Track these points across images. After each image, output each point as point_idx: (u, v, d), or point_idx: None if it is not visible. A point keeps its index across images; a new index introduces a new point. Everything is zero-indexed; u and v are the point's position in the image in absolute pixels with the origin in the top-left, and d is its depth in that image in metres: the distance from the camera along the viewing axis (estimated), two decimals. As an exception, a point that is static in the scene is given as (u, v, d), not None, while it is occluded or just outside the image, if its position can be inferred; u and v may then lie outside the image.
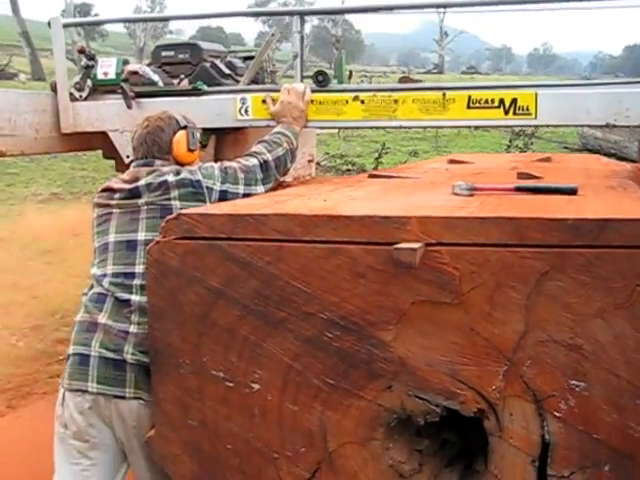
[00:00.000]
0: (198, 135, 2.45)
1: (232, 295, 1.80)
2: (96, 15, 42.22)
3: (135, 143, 2.36)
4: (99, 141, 3.29)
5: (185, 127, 2.37)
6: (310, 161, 2.73)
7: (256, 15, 30.96)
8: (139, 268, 2.04)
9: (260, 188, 2.35)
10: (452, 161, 3.64)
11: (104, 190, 2.29)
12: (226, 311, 1.81)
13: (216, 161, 2.45)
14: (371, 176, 2.91)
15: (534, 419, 1.61)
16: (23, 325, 5.34)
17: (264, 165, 2.39)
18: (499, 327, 1.59)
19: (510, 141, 12.49)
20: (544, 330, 1.56)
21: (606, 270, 1.49)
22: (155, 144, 2.32)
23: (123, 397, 2.05)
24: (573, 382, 1.56)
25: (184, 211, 1.90)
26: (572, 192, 1.96)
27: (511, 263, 1.55)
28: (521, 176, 2.43)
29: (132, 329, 2.07)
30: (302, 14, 2.94)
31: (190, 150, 2.37)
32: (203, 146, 2.93)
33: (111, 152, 3.26)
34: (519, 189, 2.02)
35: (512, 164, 3.20)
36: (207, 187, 2.20)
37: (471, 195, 1.98)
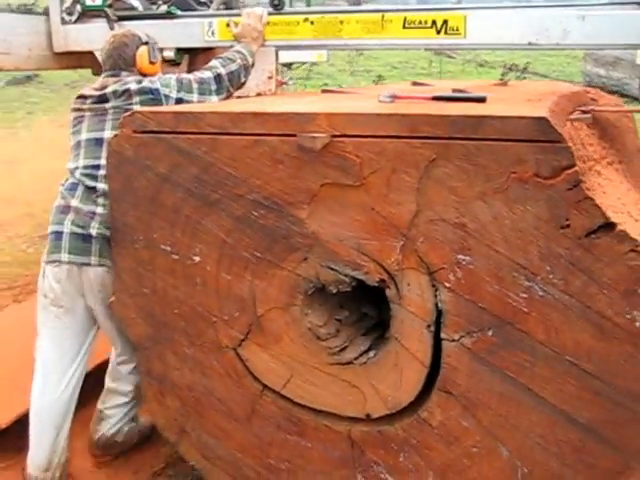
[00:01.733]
0: (160, 51, 2.74)
1: (176, 180, 2.05)
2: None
3: (104, 57, 2.64)
4: (88, 60, 3.58)
5: (147, 43, 2.64)
6: (270, 77, 2.99)
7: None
8: (104, 161, 2.28)
9: (214, 98, 2.61)
10: (414, 83, 3.78)
11: (78, 97, 2.59)
12: (171, 194, 2.07)
13: None
14: (324, 91, 3.12)
15: (428, 289, 1.79)
16: (33, 234, 5.74)
17: (217, 78, 2.64)
18: (395, 207, 1.77)
19: (502, 75, 12.37)
20: (433, 210, 1.73)
21: (485, 159, 1.64)
22: (121, 57, 2.60)
23: (89, 264, 2.38)
24: (460, 256, 1.73)
25: (138, 109, 2.15)
26: (481, 100, 2.11)
27: (404, 151, 1.73)
28: (454, 91, 2.64)
29: (98, 210, 2.39)
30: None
31: (151, 62, 2.64)
32: (177, 64, 3.23)
33: (98, 69, 3.54)
34: (436, 98, 2.17)
35: (468, 87, 3.36)
36: (164, 95, 2.48)
37: (392, 102, 2.12)
